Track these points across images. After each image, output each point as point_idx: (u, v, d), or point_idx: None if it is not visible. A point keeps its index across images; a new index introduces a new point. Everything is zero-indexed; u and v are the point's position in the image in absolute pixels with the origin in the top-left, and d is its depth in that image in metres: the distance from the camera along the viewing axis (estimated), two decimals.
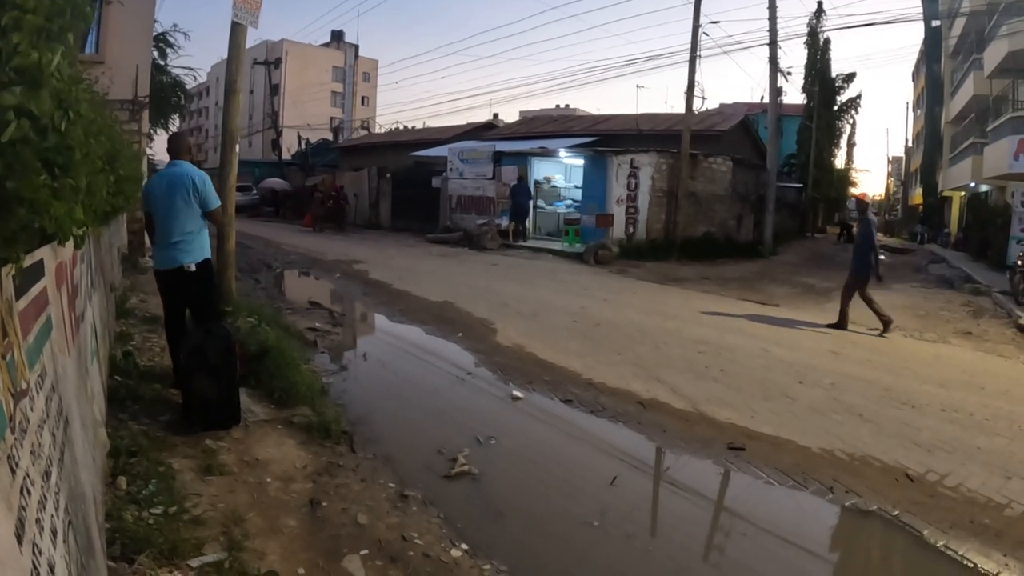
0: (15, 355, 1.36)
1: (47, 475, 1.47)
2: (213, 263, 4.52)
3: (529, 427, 4.56)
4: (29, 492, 1.26)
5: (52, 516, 1.42)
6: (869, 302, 8.01)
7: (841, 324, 8.06)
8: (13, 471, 1.18)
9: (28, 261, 1.53)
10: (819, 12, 26.82)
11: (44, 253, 1.88)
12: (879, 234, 38.28)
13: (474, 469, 3.63)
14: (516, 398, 4.98)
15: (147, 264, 10.13)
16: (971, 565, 2.86)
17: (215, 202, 4.28)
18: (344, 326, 7.60)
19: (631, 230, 15.79)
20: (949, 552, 2.97)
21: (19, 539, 1.12)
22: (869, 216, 8.56)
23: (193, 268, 4.20)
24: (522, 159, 18.08)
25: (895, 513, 3.30)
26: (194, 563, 2.42)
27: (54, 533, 1.41)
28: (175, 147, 4.34)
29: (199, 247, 4.26)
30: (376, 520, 3.00)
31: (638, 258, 14.61)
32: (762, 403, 4.91)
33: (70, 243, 2.38)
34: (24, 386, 1.40)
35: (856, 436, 4.29)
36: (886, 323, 7.89)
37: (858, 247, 8.34)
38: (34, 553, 1.21)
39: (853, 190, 9.62)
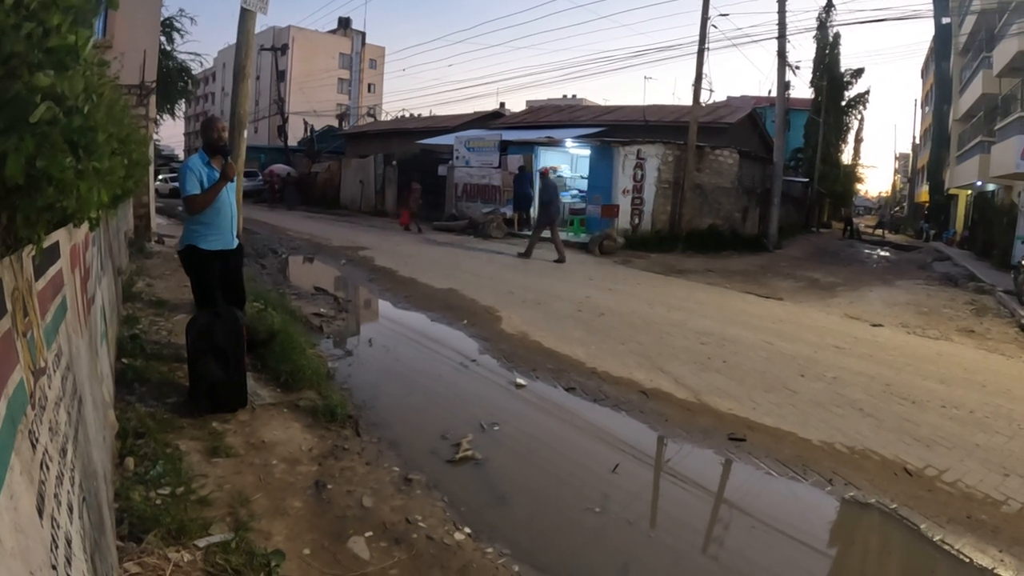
0: (34, 334, 1.38)
1: (64, 452, 1.49)
2: (197, 253, 4.31)
3: (532, 414, 4.59)
4: (48, 467, 1.29)
5: (68, 492, 1.45)
6: (554, 239, 12.04)
7: (527, 254, 12.14)
8: (34, 446, 1.21)
9: (46, 242, 1.55)
10: (829, 6, 26.51)
11: (60, 235, 1.91)
12: (883, 230, 37.96)
13: (478, 454, 3.67)
14: (520, 385, 5.01)
15: (153, 248, 10.17)
16: (967, 560, 2.90)
17: (182, 191, 4.18)
18: (349, 312, 7.63)
19: (636, 221, 15.77)
20: (946, 546, 3.00)
21: (40, 512, 1.15)
22: (547, 179, 12.34)
23: (180, 249, 4.41)
24: (528, 148, 18.02)
25: (893, 506, 3.33)
26: (201, 543, 2.45)
27: (70, 508, 1.43)
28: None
29: (184, 232, 4.36)
30: (381, 503, 3.03)
31: (643, 249, 14.59)
32: (763, 395, 4.94)
33: (84, 226, 2.41)
34: (42, 364, 1.43)
35: (856, 430, 4.31)
36: (527, 253, 12.19)
37: (540, 201, 12.42)
38: (53, 526, 1.23)
39: (542, 165, 13.34)
